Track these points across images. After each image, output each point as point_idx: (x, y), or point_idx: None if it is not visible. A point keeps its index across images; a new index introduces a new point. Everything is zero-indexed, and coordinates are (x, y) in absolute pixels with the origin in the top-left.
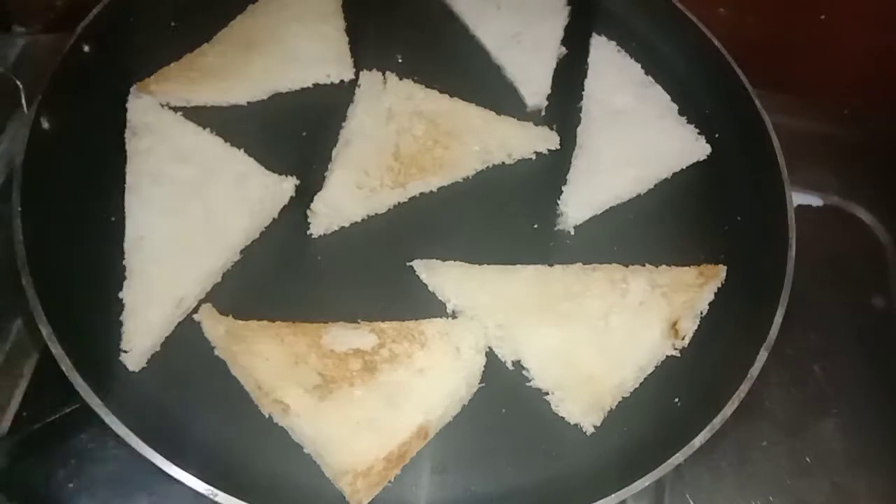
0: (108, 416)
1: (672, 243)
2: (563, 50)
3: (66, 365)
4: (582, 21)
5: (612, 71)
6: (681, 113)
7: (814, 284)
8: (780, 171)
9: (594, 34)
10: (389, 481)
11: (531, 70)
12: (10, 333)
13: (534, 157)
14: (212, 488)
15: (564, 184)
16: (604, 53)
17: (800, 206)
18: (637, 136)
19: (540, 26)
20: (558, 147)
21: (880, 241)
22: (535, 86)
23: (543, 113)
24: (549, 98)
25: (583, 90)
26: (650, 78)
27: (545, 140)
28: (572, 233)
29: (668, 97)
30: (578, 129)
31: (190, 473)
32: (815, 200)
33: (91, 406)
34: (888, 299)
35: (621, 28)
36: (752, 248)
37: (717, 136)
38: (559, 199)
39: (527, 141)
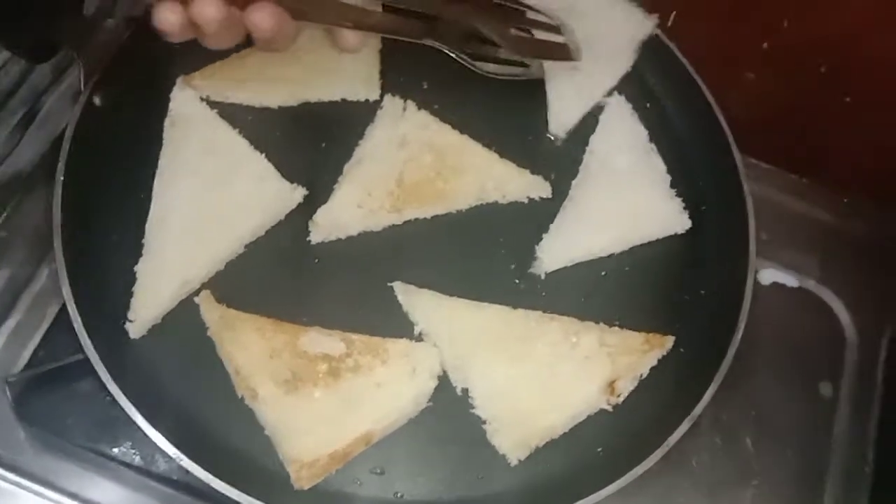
0: (103, 373)
1: (631, 305)
2: (606, 100)
3: (76, 323)
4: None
5: (620, 131)
6: (672, 185)
7: (767, 360)
8: (749, 255)
9: (615, 92)
10: (331, 473)
11: (569, 102)
12: (40, 278)
13: (526, 200)
14: (179, 453)
15: (546, 231)
16: (617, 112)
17: (774, 284)
18: (626, 199)
19: (600, 69)
20: (550, 196)
21: (844, 334)
22: (564, 117)
23: (559, 143)
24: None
25: (587, 143)
26: (653, 145)
27: (538, 188)
28: (543, 277)
29: (664, 168)
30: (574, 181)
31: (163, 436)
32: (790, 281)
33: (91, 361)
34: (835, 389)
35: (639, 88)
36: (703, 324)
37: (702, 208)
38: (538, 244)
39: (522, 186)
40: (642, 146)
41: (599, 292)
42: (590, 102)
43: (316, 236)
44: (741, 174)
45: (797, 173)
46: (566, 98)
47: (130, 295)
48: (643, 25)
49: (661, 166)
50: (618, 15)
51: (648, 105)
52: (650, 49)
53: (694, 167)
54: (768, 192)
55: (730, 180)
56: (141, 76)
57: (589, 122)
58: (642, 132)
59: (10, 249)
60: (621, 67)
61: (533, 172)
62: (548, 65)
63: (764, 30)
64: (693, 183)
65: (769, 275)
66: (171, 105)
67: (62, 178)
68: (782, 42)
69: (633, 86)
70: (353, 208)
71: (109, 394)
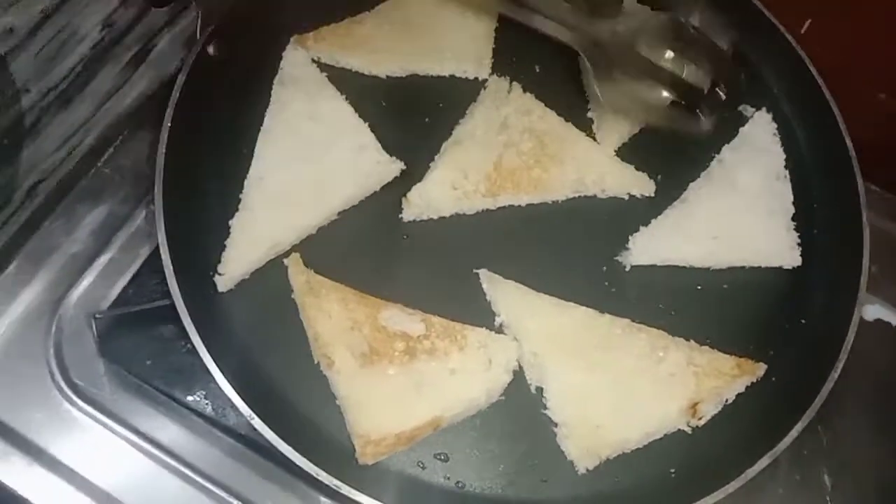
0: (187, 322)
1: (724, 326)
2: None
3: (167, 269)
4: (761, 86)
5: (756, 149)
6: (794, 218)
7: (860, 399)
8: (860, 288)
9: (764, 108)
10: (395, 452)
11: None
12: (137, 219)
13: (626, 197)
14: (250, 411)
15: (647, 224)
16: (759, 130)
17: (878, 321)
18: (741, 218)
19: None
20: (652, 195)
21: None
22: None
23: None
24: None
25: (718, 152)
26: (787, 172)
27: (641, 185)
28: (628, 269)
29: (791, 198)
30: (692, 183)
31: (236, 392)
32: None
33: (176, 308)
34: None
35: (788, 110)
36: (799, 355)
37: (814, 233)
38: (632, 234)
39: (624, 181)
40: (775, 171)
41: (692, 307)
42: None
43: (408, 214)
44: (862, 204)
45: None
46: None
47: (222, 248)
48: None
49: (788, 196)
50: None
51: (793, 131)
52: (785, 63)
53: (814, 191)
54: (883, 222)
55: (849, 208)
56: (256, 31)
57: (722, 129)
58: (780, 155)
59: (112, 186)
60: None
61: (638, 168)
62: None
63: None
64: (810, 208)
65: (874, 311)
66: (283, 63)
67: (169, 124)
68: None
69: (780, 108)
70: (448, 189)
71: (190, 342)
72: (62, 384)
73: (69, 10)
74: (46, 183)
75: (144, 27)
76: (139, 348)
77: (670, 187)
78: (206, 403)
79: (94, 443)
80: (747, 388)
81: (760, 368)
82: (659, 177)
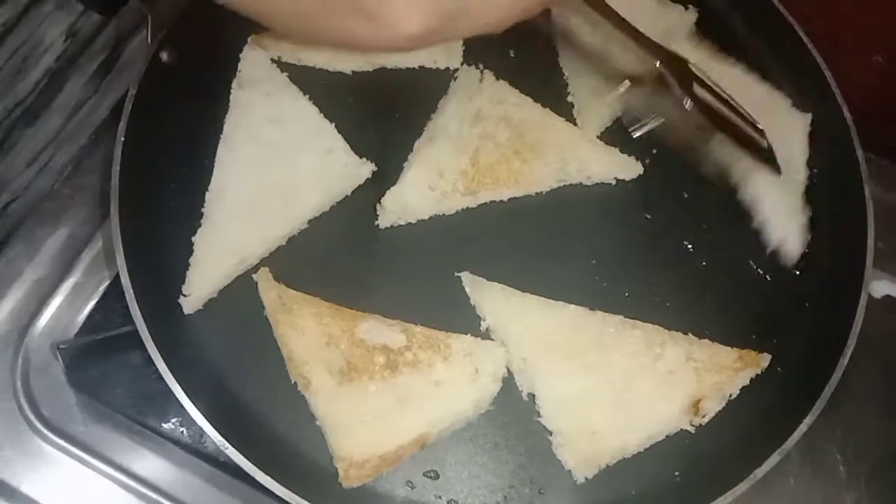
0: (152, 349)
1: (723, 316)
2: None
3: (129, 295)
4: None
5: None
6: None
7: (871, 382)
8: (865, 264)
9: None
10: (381, 473)
11: None
12: (99, 240)
13: (613, 182)
14: (224, 441)
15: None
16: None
17: (886, 298)
18: None
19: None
20: (641, 173)
21: None
22: None
23: None
24: None
25: None
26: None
27: (628, 168)
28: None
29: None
30: None
31: (209, 421)
32: None
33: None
34: None
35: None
36: (805, 342)
37: (814, 210)
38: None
39: (609, 165)
40: None
41: (688, 297)
42: None
43: (384, 220)
44: (863, 174)
45: None
46: None
47: (187, 266)
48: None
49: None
50: None
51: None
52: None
53: (811, 167)
54: (887, 194)
55: (850, 182)
56: (210, 34)
57: None
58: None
59: (73, 206)
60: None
61: (623, 151)
62: None
63: None
64: (809, 185)
65: (882, 287)
66: (241, 66)
67: (122, 139)
68: None
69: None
70: (425, 190)
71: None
72: (32, 417)
73: (31, 22)
74: (18, 203)
75: (110, 34)
76: (108, 377)
77: (659, 168)
78: (182, 430)
79: (68, 478)
80: (751, 380)
81: (764, 359)
82: (647, 159)
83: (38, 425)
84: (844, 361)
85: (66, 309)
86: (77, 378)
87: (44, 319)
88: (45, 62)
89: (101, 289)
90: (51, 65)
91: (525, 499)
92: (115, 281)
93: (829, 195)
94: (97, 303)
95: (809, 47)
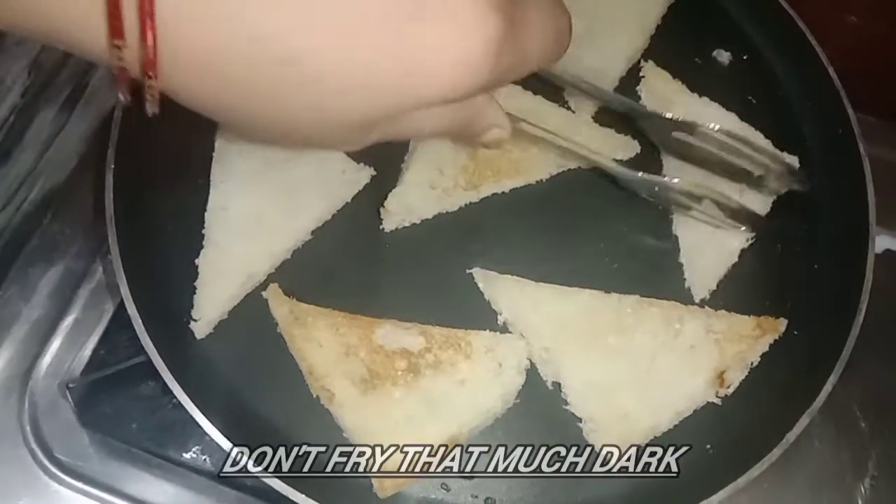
0: (168, 377)
1: (736, 285)
2: None
3: (137, 326)
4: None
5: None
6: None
7: (886, 337)
8: (869, 221)
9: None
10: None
11: None
12: (96, 272)
13: (612, 163)
14: (253, 464)
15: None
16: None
17: (887, 252)
18: None
19: None
20: (637, 152)
21: None
22: None
23: None
24: None
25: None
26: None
27: (625, 148)
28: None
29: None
30: None
31: (233, 444)
32: None
33: (154, 366)
34: None
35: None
36: (819, 303)
37: (811, 174)
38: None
39: (606, 146)
40: None
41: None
42: None
43: (389, 223)
44: (856, 132)
45: None
46: None
47: (193, 290)
48: None
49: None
50: None
51: (745, 57)
52: None
53: (800, 127)
54: (878, 150)
55: (845, 142)
56: None
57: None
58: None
59: (64, 241)
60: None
61: (619, 131)
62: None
63: None
64: (800, 145)
65: (883, 241)
66: None
67: (113, 166)
68: None
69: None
70: (426, 189)
71: (175, 397)
72: (45, 462)
73: None
74: (2, 245)
75: (75, 64)
76: (122, 412)
77: (655, 146)
78: (205, 458)
79: None
80: (771, 346)
81: (781, 324)
82: (642, 138)
83: (54, 470)
84: (860, 319)
85: (68, 347)
86: (89, 417)
87: (47, 360)
88: (10, 99)
89: (104, 322)
90: (16, 101)
91: (564, 489)
92: (118, 313)
93: (826, 158)
94: (101, 337)
95: (791, 14)
